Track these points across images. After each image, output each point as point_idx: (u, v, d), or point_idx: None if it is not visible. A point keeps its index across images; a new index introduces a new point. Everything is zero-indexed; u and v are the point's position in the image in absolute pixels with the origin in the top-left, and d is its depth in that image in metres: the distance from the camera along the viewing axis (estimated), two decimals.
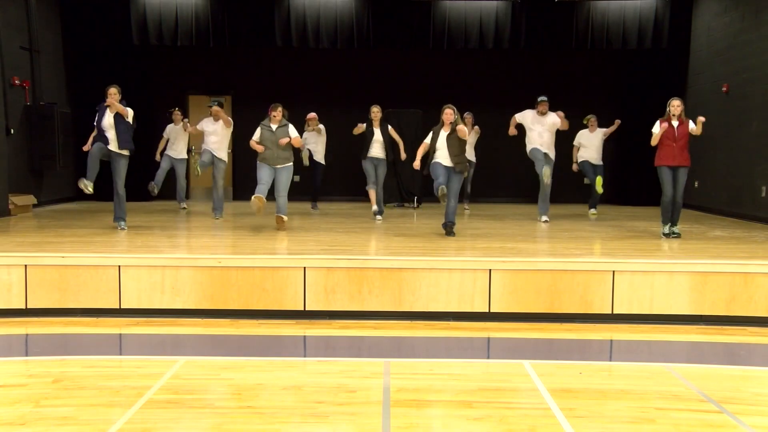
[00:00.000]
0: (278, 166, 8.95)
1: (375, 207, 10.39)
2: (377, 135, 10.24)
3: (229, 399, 4.63)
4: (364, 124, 10.29)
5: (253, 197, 8.70)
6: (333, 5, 13.26)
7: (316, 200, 12.05)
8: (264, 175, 8.95)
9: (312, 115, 11.92)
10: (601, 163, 11.63)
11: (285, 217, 9.01)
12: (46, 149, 11.74)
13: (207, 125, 10.52)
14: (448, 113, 8.48)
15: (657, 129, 8.51)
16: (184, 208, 11.90)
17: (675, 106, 8.47)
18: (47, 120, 11.73)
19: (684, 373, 5.25)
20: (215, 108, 10.42)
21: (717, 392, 4.81)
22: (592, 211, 11.80)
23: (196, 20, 13.13)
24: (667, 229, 8.66)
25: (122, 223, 8.86)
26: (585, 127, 11.66)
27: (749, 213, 11.05)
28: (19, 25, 11.51)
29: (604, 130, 11.58)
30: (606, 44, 13.44)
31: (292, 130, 9.03)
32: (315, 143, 11.83)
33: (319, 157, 11.91)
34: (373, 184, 10.36)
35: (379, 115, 10.30)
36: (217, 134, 10.39)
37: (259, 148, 8.92)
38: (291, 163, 9.06)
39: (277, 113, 8.98)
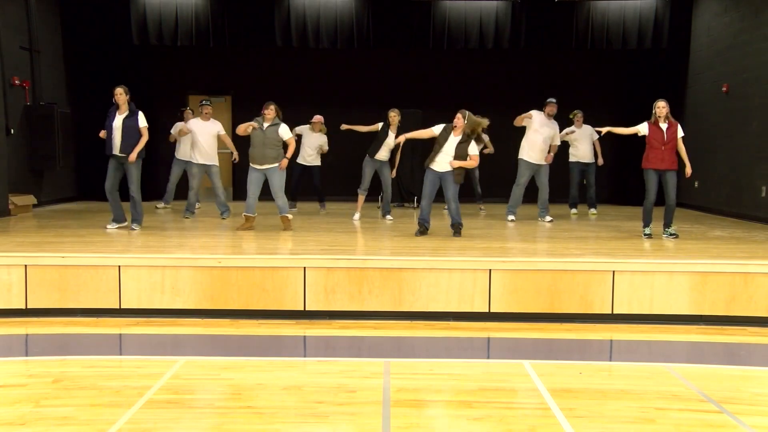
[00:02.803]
0: (266, 166, 8.79)
1: (358, 214, 10.39)
2: (390, 138, 10.04)
3: (229, 399, 4.63)
4: (381, 123, 10.20)
5: (243, 214, 8.94)
6: (333, 5, 13.26)
7: (322, 200, 11.84)
8: (251, 185, 8.87)
9: (319, 117, 11.70)
10: (593, 161, 11.57)
11: (290, 215, 9.00)
12: (46, 149, 11.73)
13: (196, 125, 10.39)
14: (458, 118, 8.37)
15: (645, 130, 8.53)
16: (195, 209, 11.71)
17: (660, 107, 8.44)
18: (47, 120, 11.73)
19: (684, 373, 5.25)
20: (207, 107, 10.35)
21: (717, 392, 4.81)
22: (592, 210, 11.81)
23: (196, 20, 13.13)
24: (648, 230, 8.68)
25: (135, 224, 8.84)
26: (571, 123, 11.58)
27: (749, 213, 11.05)
28: (19, 25, 11.51)
29: (594, 133, 11.51)
30: (606, 44, 13.43)
31: (284, 131, 8.81)
32: (309, 145, 11.56)
33: (312, 158, 11.60)
34: (365, 190, 10.33)
35: (397, 119, 10.08)
36: (205, 134, 10.28)
37: (242, 129, 8.83)
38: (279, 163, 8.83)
39: (269, 111, 8.82)
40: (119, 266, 6.76)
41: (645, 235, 8.67)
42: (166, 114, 12.74)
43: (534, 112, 10.18)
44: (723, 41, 12.14)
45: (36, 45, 11.88)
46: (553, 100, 10.22)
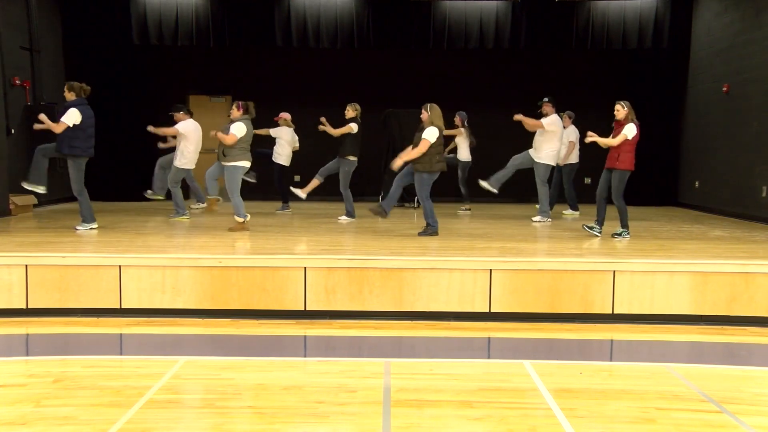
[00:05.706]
0: (223, 164, 8.81)
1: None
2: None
3: (229, 399, 4.62)
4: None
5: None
6: (333, 5, 13.26)
7: (283, 201, 11.60)
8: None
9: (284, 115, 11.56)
10: (569, 162, 11.26)
11: (242, 219, 8.77)
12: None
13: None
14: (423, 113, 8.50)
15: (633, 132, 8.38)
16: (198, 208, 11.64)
17: (615, 109, 8.51)
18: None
19: (684, 373, 5.26)
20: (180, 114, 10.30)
21: (717, 392, 4.81)
22: (570, 212, 11.50)
23: (196, 20, 13.13)
24: (592, 224, 8.78)
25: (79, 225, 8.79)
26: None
27: (749, 213, 11.05)
28: (19, 25, 11.50)
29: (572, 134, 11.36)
30: (606, 44, 13.43)
31: (230, 127, 8.77)
32: (292, 143, 11.42)
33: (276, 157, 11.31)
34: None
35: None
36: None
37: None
38: (232, 164, 8.69)
39: (231, 111, 9.04)
40: (119, 266, 6.76)
41: (586, 227, 8.81)
42: (166, 114, 12.71)
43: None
44: (723, 41, 12.14)
45: (36, 45, 11.87)
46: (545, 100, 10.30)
